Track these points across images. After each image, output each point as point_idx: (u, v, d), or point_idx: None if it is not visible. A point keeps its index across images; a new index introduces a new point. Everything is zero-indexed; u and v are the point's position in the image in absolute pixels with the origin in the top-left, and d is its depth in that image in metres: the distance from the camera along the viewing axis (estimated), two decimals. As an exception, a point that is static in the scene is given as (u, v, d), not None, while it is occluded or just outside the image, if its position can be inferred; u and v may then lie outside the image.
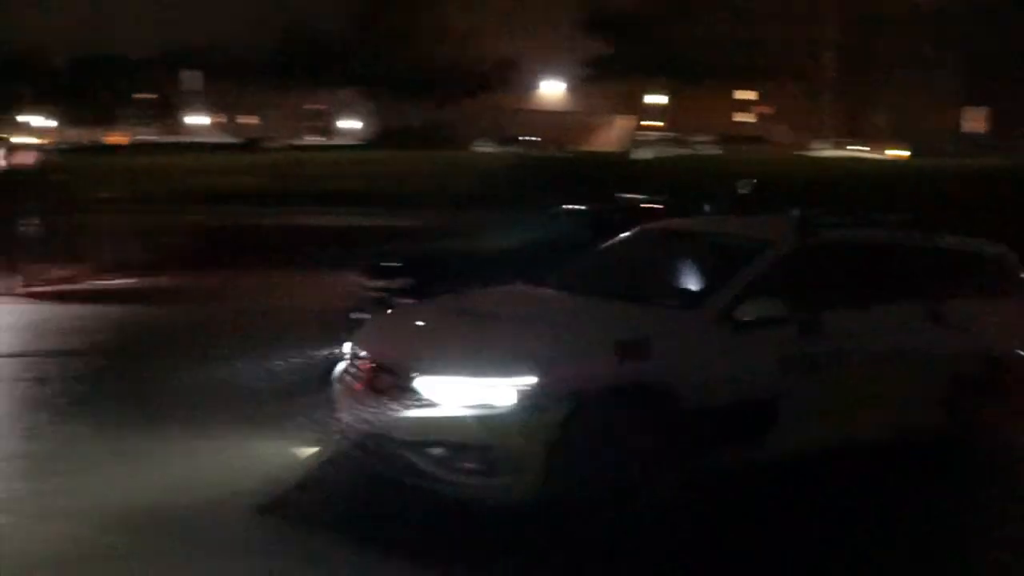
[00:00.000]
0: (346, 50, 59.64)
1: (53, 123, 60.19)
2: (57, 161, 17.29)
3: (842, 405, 5.66)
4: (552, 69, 60.17)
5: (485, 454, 4.71)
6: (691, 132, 47.10)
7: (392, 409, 4.87)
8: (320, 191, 23.79)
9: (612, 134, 55.57)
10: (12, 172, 11.24)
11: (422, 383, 4.86)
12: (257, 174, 29.10)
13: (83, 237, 12.99)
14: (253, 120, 63.00)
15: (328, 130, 62.84)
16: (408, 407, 4.84)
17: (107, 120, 60.55)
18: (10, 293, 11.50)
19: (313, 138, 57.17)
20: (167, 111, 63.84)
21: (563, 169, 27.28)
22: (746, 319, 5.29)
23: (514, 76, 59.26)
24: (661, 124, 55.42)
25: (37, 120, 59.96)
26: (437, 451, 4.78)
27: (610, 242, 6.74)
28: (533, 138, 49.09)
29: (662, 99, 57.96)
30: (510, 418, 4.70)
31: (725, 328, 5.28)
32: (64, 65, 65.41)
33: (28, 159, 12.08)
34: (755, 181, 7.01)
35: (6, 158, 11.43)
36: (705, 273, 5.95)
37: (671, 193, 9.65)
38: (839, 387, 5.64)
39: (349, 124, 62.58)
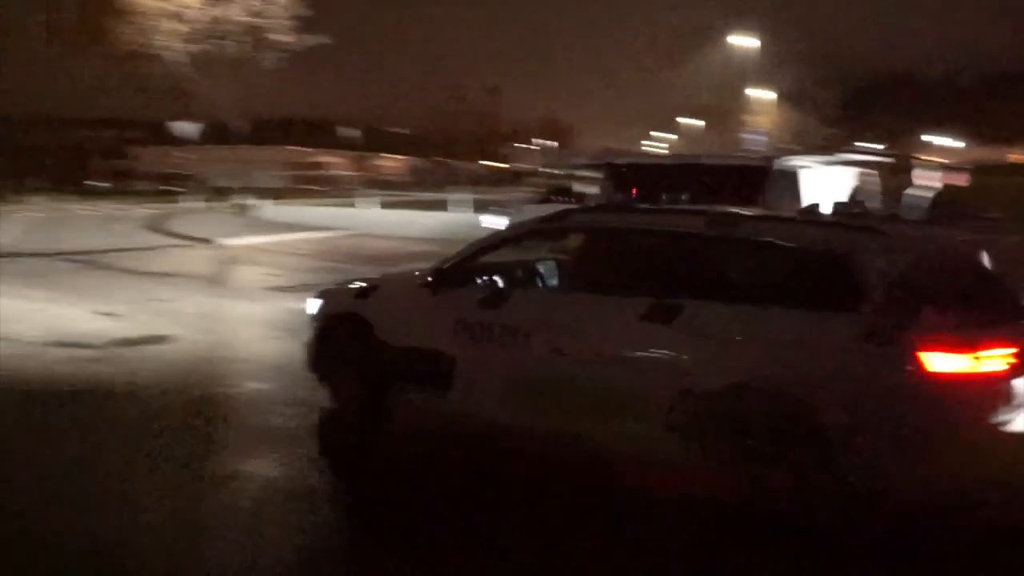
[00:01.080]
0: None
1: (959, 143, 60.45)
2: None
3: (525, 393, 5.48)
4: None
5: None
6: None
7: None
8: None
9: None
10: (944, 194, 11.41)
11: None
12: None
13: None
14: None
15: None
16: None
17: (1015, 139, 58.77)
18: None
19: None
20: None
21: None
22: (430, 280, 6.25)
23: None
24: None
25: (942, 140, 60.82)
26: None
27: None
28: None
29: None
30: (309, 323, 6.97)
31: (424, 286, 6.26)
32: (971, 84, 65.43)
33: (960, 180, 12.18)
34: None
35: (941, 179, 11.66)
36: None
37: None
38: (520, 372, 5.48)
39: None
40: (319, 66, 38.70)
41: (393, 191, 41.98)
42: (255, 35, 40.96)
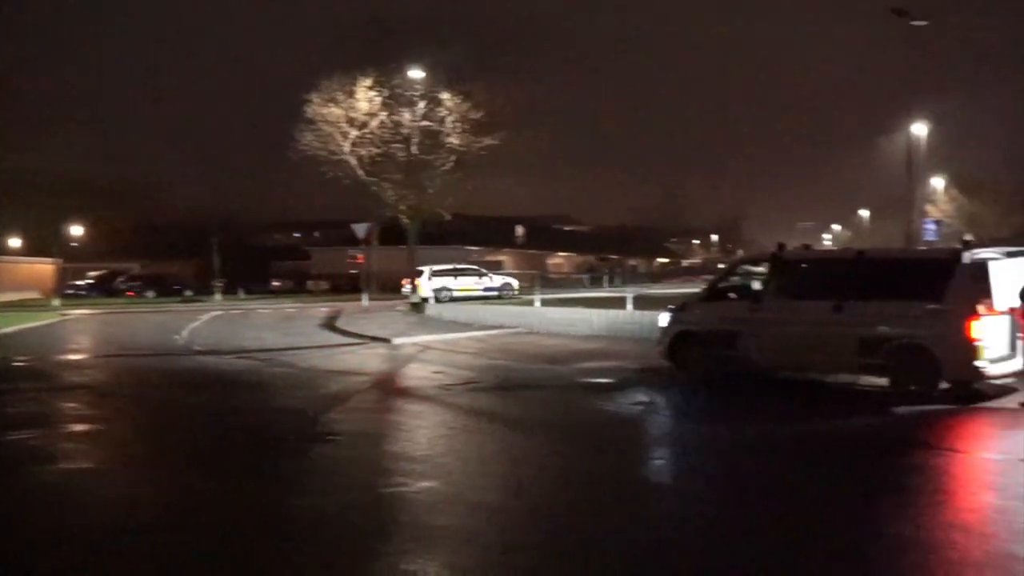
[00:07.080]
0: None
1: None
2: None
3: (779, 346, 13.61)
4: None
5: None
6: None
7: None
8: None
9: None
10: None
11: None
12: None
13: None
14: None
15: None
16: None
17: None
18: None
19: None
20: None
21: None
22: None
23: None
24: None
25: None
26: None
27: None
28: None
29: None
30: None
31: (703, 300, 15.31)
32: None
33: None
34: None
35: None
36: None
37: None
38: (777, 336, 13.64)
39: None
40: (500, 168, 40.03)
41: (562, 289, 42.01)
42: (433, 139, 42.49)
